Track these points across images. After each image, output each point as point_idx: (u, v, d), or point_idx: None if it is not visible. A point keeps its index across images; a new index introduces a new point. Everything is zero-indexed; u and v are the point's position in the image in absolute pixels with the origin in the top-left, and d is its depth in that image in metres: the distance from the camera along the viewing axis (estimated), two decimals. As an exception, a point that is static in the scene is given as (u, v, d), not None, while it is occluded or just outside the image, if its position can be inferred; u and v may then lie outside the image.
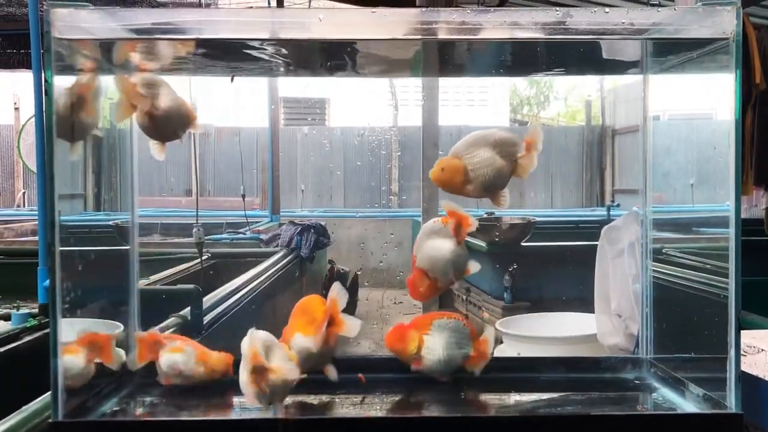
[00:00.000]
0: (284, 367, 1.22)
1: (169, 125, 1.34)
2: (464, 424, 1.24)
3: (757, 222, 4.91)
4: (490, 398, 1.38)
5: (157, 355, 1.38)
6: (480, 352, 1.40)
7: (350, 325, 1.34)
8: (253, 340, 1.21)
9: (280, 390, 1.22)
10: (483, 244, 5.17)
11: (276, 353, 1.24)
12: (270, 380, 1.20)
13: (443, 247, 1.35)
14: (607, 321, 2.71)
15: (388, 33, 1.28)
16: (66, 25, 1.18)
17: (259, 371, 1.19)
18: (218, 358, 1.39)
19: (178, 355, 1.37)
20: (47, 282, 1.20)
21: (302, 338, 1.31)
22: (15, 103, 11.89)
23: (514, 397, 1.38)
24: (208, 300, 2.74)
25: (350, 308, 1.36)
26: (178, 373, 1.36)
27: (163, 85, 1.33)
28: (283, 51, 1.41)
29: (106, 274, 1.51)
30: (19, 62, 6.59)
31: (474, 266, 1.38)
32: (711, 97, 1.43)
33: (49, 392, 1.18)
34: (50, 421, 1.18)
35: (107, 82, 1.35)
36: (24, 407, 1.43)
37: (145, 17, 1.25)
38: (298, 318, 1.36)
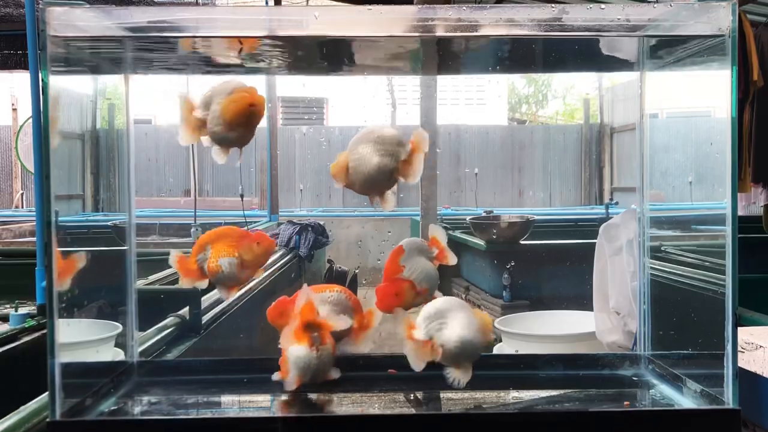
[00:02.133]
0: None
1: (231, 136, 1.30)
2: (464, 421, 1.24)
3: (756, 219, 4.90)
4: (489, 395, 1.38)
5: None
6: (361, 324, 1.37)
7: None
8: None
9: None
10: (482, 242, 5.18)
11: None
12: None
13: (432, 265, 1.39)
14: (605, 318, 2.71)
15: (384, 30, 1.28)
16: (61, 24, 1.17)
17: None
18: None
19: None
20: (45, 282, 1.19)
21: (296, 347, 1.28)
22: (13, 104, 11.90)
23: (512, 394, 1.38)
24: (206, 299, 2.74)
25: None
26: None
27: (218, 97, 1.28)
28: (280, 49, 1.40)
29: (104, 274, 1.51)
30: (17, 63, 6.59)
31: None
32: (709, 94, 1.43)
33: (47, 392, 1.18)
34: (48, 420, 1.17)
35: (104, 83, 1.34)
36: (22, 407, 1.43)
37: (140, 15, 1.25)
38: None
